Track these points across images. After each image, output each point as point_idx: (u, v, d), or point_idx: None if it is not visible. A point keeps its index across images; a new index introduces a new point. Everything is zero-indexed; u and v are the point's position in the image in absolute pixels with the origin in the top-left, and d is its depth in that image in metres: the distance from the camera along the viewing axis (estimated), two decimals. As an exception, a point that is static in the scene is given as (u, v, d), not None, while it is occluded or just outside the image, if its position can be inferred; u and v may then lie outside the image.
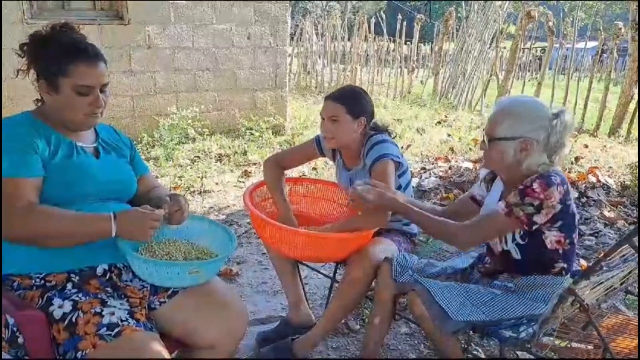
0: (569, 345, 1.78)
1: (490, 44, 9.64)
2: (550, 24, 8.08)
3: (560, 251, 1.80)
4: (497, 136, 1.78)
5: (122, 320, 1.40)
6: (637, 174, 4.54)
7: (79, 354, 1.34)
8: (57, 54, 1.52)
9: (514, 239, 1.83)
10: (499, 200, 1.91)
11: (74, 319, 1.38)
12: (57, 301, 1.42)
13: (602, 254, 1.58)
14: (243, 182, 4.83)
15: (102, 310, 1.40)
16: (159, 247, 1.65)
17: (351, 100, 2.19)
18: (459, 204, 2.18)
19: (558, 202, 1.70)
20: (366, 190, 1.94)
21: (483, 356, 2.34)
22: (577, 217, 1.84)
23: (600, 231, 3.72)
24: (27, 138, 1.49)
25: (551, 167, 1.76)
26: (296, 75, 10.87)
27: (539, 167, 1.75)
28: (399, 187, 2.23)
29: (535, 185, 1.69)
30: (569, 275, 1.85)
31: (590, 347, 1.81)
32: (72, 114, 1.55)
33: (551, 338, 1.82)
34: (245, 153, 5.55)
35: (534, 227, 1.74)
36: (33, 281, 1.47)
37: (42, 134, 1.53)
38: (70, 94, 1.52)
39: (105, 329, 1.36)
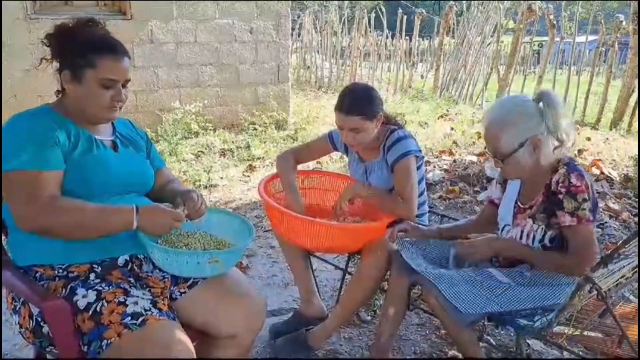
0: (582, 334, 1.80)
1: (491, 38, 9.63)
2: (551, 17, 8.09)
3: None
4: (506, 153, 1.77)
5: (145, 310, 1.41)
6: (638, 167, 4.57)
7: (104, 343, 1.35)
8: (86, 46, 1.53)
9: (541, 240, 1.82)
10: (518, 196, 1.91)
11: (98, 309, 1.39)
12: (81, 291, 1.43)
13: (619, 243, 1.60)
14: (248, 176, 4.84)
15: (125, 300, 1.42)
16: (178, 239, 1.66)
17: (365, 106, 2.12)
18: (483, 213, 2.16)
19: (590, 189, 1.73)
20: (473, 252, 1.89)
21: (494, 344, 2.35)
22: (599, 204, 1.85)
23: (606, 222, 3.74)
24: (47, 131, 1.49)
25: (564, 149, 1.76)
26: (296, 70, 10.85)
27: (555, 151, 1.76)
28: None
29: (574, 180, 1.69)
30: None
31: (600, 334, 1.84)
32: (93, 106, 1.56)
33: (562, 327, 1.83)
34: (248, 147, 5.55)
35: None
36: (56, 272, 1.48)
37: (62, 127, 1.53)
38: (94, 87, 1.53)
39: (129, 318, 1.37)
